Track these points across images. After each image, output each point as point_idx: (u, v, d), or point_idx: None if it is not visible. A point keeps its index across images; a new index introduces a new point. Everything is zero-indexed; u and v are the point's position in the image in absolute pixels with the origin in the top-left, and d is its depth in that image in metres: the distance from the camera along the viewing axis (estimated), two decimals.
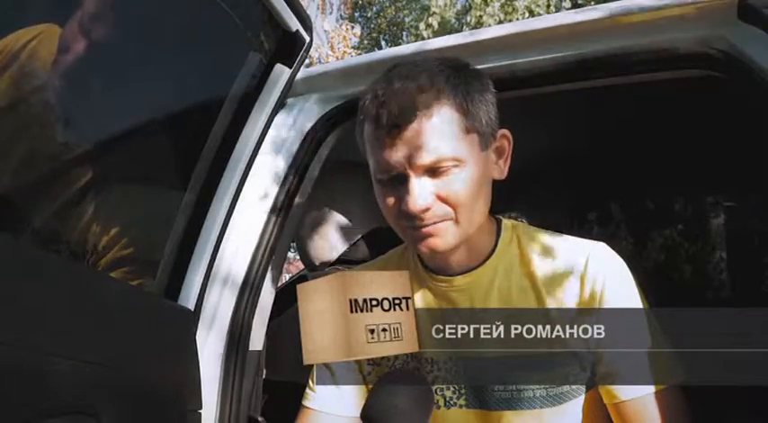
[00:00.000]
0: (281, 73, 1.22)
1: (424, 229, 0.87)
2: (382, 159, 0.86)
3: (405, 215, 0.87)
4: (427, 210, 0.85)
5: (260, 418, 1.17)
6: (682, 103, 1.42)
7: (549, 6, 8.22)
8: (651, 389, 0.89)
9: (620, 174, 2.08)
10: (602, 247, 0.96)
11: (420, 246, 0.89)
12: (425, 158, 0.84)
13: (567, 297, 0.93)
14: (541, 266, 0.95)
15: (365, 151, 0.92)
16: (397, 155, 0.85)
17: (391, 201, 0.88)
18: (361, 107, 0.91)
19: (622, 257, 0.97)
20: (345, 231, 1.52)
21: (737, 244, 2.21)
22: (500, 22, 7.98)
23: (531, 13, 8.07)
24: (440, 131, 0.84)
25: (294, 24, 1.18)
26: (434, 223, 0.87)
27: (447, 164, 0.85)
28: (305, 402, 1.05)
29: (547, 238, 0.99)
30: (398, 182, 0.87)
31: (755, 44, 0.93)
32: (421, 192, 0.85)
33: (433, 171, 0.85)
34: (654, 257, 2.47)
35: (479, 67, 1.09)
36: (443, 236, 0.88)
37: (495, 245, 0.98)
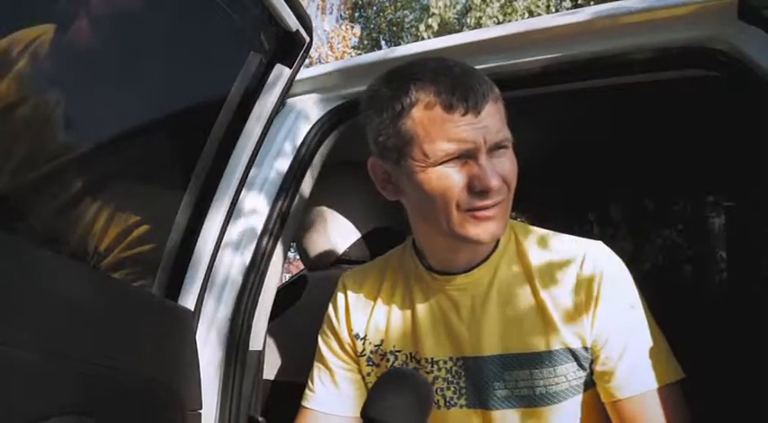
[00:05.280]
0: (281, 73, 1.22)
1: (488, 211, 0.88)
2: (454, 139, 0.86)
3: (475, 193, 0.87)
4: (498, 186, 0.87)
5: (260, 418, 1.17)
6: (681, 104, 1.42)
7: (548, 7, 8.21)
8: (649, 386, 0.89)
9: (620, 174, 2.08)
10: (598, 246, 0.97)
11: (478, 229, 0.88)
12: (496, 136, 0.87)
13: (565, 295, 0.93)
14: (539, 265, 0.96)
15: (406, 140, 0.89)
16: (472, 134, 0.86)
17: (458, 181, 0.87)
18: (403, 95, 0.89)
19: (622, 257, 0.97)
20: (345, 231, 1.52)
21: (737, 244, 2.21)
22: (499, 22, 7.98)
23: (531, 14, 8.07)
24: (501, 115, 0.90)
25: (294, 24, 1.18)
26: (497, 204, 0.88)
27: (506, 143, 0.89)
28: (304, 403, 1.05)
29: (544, 236, 1.00)
30: (465, 161, 0.87)
31: (755, 44, 0.93)
32: (492, 169, 0.87)
33: (495, 150, 0.88)
34: (654, 258, 2.47)
35: (480, 66, 1.09)
36: (501, 219, 0.90)
37: (496, 244, 0.98)
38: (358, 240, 1.53)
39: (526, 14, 8.11)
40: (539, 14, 7.86)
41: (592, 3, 6.72)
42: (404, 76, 0.91)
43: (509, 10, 8.31)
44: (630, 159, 1.90)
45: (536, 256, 0.97)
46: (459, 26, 8.67)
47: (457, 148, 0.86)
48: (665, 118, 1.57)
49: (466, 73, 0.89)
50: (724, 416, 1.08)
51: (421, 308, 1.00)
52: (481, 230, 0.88)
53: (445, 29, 8.26)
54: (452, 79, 0.87)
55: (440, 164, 0.87)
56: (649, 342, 0.91)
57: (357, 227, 1.53)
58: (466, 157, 0.87)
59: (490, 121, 0.87)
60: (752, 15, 0.93)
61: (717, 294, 2.31)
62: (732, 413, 1.06)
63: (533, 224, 1.03)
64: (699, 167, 1.95)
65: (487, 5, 8.36)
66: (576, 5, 7.72)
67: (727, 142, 1.61)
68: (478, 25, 8.13)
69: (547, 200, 2.46)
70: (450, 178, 0.87)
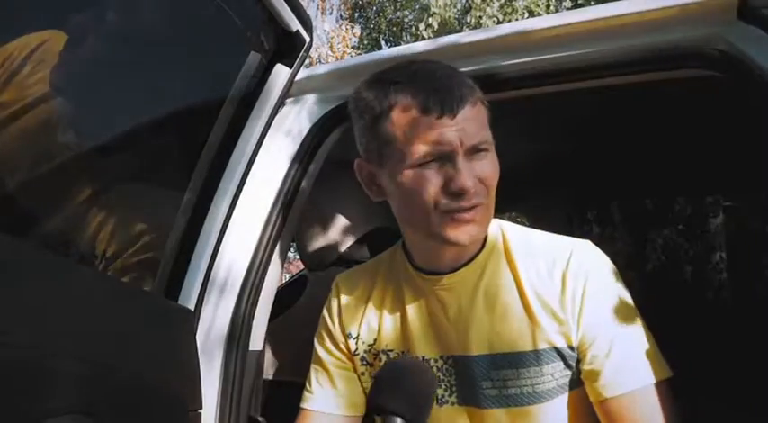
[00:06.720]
0: (281, 73, 1.22)
1: (466, 214, 0.88)
2: (429, 141, 0.87)
3: (452, 195, 0.87)
4: (475, 187, 0.87)
5: (260, 418, 1.17)
6: (680, 104, 1.42)
7: (548, 7, 8.21)
8: (636, 385, 0.89)
9: (620, 174, 2.08)
10: (585, 244, 0.97)
11: (457, 232, 0.89)
12: (473, 139, 0.88)
13: (551, 295, 0.93)
14: (525, 264, 0.96)
15: (386, 142, 0.91)
16: (447, 136, 0.87)
17: (435, 182, 0.88)
18: (383, 98, 0.91)
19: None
20: (345, 231, 1.52)
21: (737, 244, 2.21)
22: (499, 22, 7.98)
23: (531, 14, 8.07)
24: (480, 118, 0.90)
25: (294, 24, 1.18)
26: (474, 206, 0.88)
27: (486, 146, 0.89)
28: (303, 404, 1.05)
29: (531, 235, 1.00)
30: (443, 163, 0.88)
31: (755, 44, 0.93)
32: (469, 171, 0.87)
33: (474, 153, 0.89)
34: (654, 258, 2.47)
35: (480, 67, 1.09)
36: (480, 222, 0.90)
37: (483, 243, 0.98)
38: (358, 240, 1.53)
39: (526, 14, 8.11)
40: (539, 14, 7.86)
41: (592, 3, 6.72)
42: (384, 80, 0.92)
43: (509, 9, 8.31)
44: (630, 159, 1.90)
45: (523, 255, 0.97)
46: (459, 26, 8.67)
47: (432, 150, 0.87)
48: (665, 118, 1.57)
49: (446, 76, 0.90)
50: (725, 414, 1.08)
51: (411, 307, 1.00)
52: (460, 233, 0.89)
53: (445, 28, 8.26)
54: (431, 82, 0.88)
55: (418, 166, 0.88)
56: (636, 341, 0.91)
57: (357, 227, 1.53)
58: (443, 159, 0.88)
59: (467, 124, 0.87)
60: (752, 15, 0.93)
61: (717, 294, 2.31)
62: (733, 412, 1.06)
63: (534, 225, 1.03)
64: (699, 167, 1.95)
65: (487, 5, 8.36)
66: (576, 5, 7.72)
67: (727, 142, 1.61)
68: (478, 25, 8.13)
69: (547, 200, 2.46)
70: (428, 180, 0.88)
